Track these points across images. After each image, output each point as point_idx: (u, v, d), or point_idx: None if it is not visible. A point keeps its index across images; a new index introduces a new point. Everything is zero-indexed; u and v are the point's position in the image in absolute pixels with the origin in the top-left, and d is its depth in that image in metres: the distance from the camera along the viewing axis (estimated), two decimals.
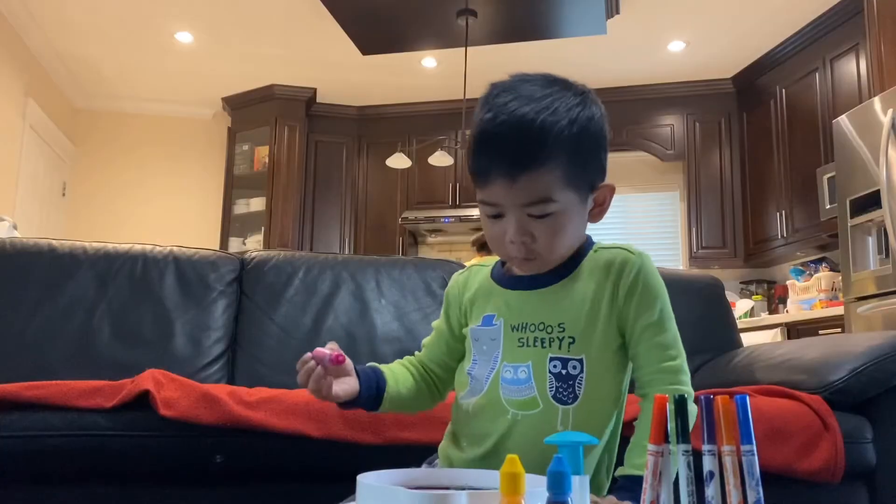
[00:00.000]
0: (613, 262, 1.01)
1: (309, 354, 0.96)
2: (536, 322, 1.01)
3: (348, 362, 1.00)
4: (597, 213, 1.02)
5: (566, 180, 0.94)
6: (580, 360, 0.98)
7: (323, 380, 0.96)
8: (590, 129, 0.96)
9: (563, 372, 0.98)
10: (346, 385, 1.00)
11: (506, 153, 0.93)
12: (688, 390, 0.98)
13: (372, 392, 1.04)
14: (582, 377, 0.97)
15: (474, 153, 0.97)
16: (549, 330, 1.00)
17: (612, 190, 1.02)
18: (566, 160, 0.93)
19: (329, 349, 0.97)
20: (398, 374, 1.11)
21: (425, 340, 1.18)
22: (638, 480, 0.84)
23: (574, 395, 0.97)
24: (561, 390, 0.97)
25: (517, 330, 1.02)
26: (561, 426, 0.96)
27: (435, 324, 1.17)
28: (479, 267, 1.14)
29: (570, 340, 0.98)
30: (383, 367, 1.09)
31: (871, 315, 3.20)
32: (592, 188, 0.99)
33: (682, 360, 1.00)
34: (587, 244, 1.05)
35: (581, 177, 0.96)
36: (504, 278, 1.07)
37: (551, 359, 0.98)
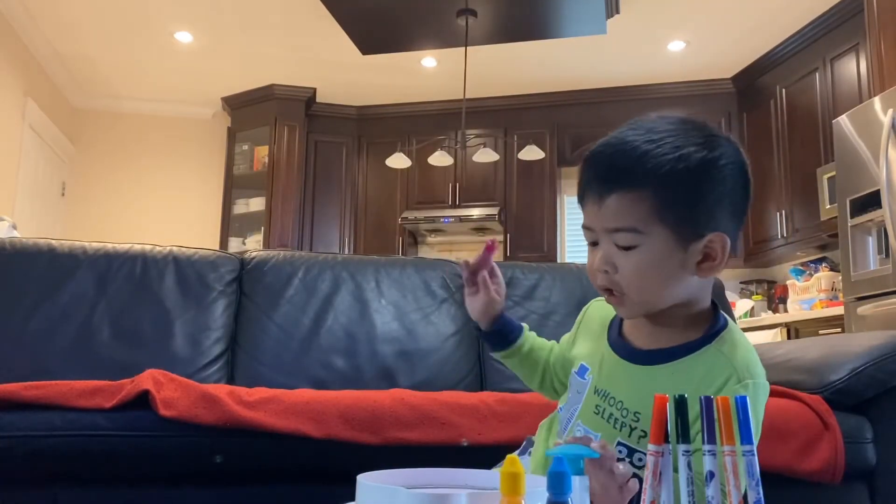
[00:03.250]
0: (716, 377, 0.88)
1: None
2: (617, 398, 0.94)
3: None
4: (707, 267, 0.90)
5: (659, 214, 0.86)
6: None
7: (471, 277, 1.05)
8: (702, 171, 0.86)
9: (628, 460, 0.90)
10: (485, 306, 1.06)
11: (599, 171, 0.90)
12: None
13: (509, 327, 1.09)
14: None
15: (580, 174, 0.94)
16: (625, 413, 0.92)
17: (723, 242, 0.89)
18: (662, 193, 0.86)
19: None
20: (538, 341, 1.13)
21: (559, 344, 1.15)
22: None
23: None
24: None
25: (599, 395, 0.96)
26: None
27: (565, 337, 1.13)
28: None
29: (641, 434, 0.90)
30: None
31: (871, 315, 3.20)
32: (698, 236, 0.88)
33: None
34: (714, 327, 0.93)
35: (681, 218, 0.87)
36: (615, 336, 1.00)
37: (619, 443, 0.92)
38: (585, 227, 0.93)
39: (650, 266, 0.88)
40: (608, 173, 0.89)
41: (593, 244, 0.93)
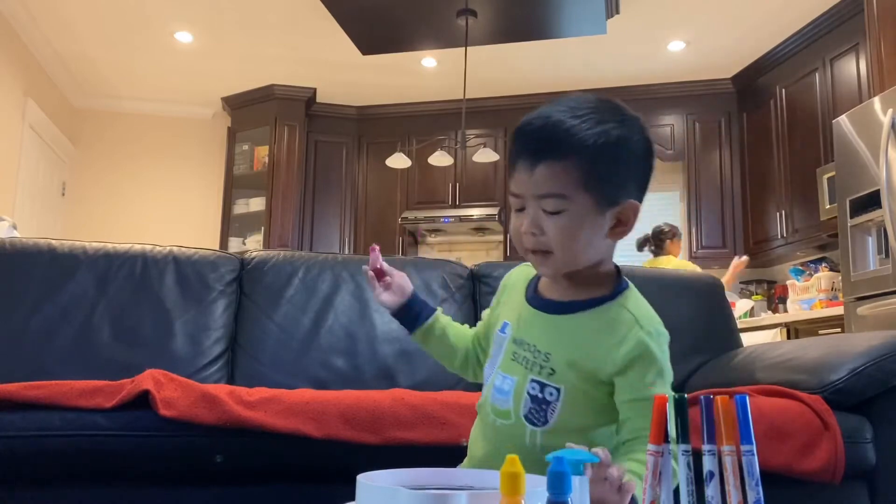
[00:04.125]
0: (619, 326, 1.00)
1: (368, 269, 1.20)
2: (531, 343, 1.06)
3: (407, 287, 1.20)
4: (619, 231, 1.02)
5: (584, 184, 0.96)
6: (558, 389, 1.02)
7: (373, 280, 1.19)
8: (619, 146, 0.98)
9: (540, 396, 1.03)
10: (395, 295, 1.19)
11: (530, 143, 0.99)
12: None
13: (419, 307, 1.19)
14: (556, 405, 1.01)
15: (510, 146, 1.03)
16: (536, 355, 1.04)
17: (634, 209, 1.01)
18: (587, 164, 0.96)
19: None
20: (454, 324, 1.24)
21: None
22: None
23: (544, 420, 1.02)
24: (534, 412, 1.03)
25: (516, 343, 1.08)
26: (529, 444, 1.01)
27: (486, 311, 1.23)
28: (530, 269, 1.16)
29: (550, 371, 1.03)
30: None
31: (871, 315, 3.20)
32: (614, 203, 0.99)
33: None
34: (618, 286, 1.05)
35: (601, 187, 0.97)
36: (531, 293, 1.11)
37: (531, 380, 1.04)
38: (513, 195, 1.02)
39: (574, 228, 0.98)
40: (539, 145, 0.98)
41: (519, 210, 1.02)
